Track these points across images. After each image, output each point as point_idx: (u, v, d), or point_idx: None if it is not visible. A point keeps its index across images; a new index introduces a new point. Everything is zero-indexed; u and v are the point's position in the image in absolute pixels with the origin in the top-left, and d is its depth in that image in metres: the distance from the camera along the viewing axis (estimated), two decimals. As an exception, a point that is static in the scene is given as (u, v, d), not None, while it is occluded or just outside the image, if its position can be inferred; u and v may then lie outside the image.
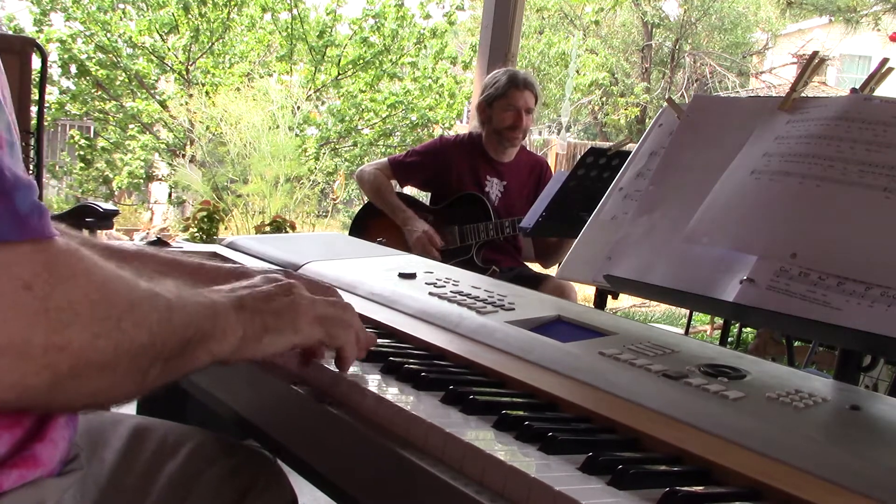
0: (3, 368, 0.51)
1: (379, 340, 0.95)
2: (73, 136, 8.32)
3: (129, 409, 1.27)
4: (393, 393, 0.77)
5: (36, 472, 0.62)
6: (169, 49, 8.35)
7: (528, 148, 3.33)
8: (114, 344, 0.57)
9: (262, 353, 0.73)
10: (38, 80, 2.97)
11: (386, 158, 3.23)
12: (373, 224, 3.11)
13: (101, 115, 8.52)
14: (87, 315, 0.55)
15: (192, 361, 0.66)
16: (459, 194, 3.08)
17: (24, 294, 0.52)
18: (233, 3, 8.47)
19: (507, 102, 3.01)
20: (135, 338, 0.58)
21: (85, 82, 8.25)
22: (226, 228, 6.35)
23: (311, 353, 0.83)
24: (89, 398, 0.59)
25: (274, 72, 8.90)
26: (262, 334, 0.72)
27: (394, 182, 3.19)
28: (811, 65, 1.14)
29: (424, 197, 3.41)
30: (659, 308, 6.77)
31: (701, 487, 0.62)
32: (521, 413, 0.72)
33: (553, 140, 12.40)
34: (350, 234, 3.18)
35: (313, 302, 0.78)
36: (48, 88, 7.53)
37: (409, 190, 3.71)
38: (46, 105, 5.49)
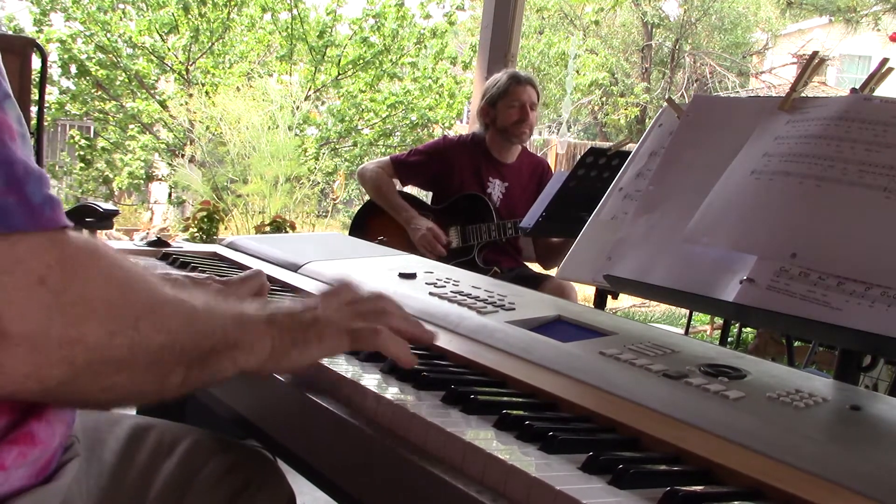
0: (18, 359, 0.52)
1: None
2: (73, 136, 8.32)
3: (129, 409, 1.27)
4: (393, 392, 0.77)
5: (35, 451, 0.62)
6: (169, 49, 8.35)
7: (528, 148, 3.33)
8: (129, 342, 0.57)
9: (290, 367, 0.74)
10: (38, 80, 2.98)
11: (388, 157, 3.22)
12: (373, 223, 3.10)
13: (101, 115, 8.52)
14: (103, 312, 0.56)
15: (217, 371, 0.66)
16: (461, 194, 3.08)
17: (38, 288, 0.52)
18: (233, 3, 8.47)
19: (510, 99, 3.00)
20: (152, 340, 0.59)
21: (85, 82, 8.25)
22: (226, 228, 6.35)
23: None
24: (107, 393, 0.59)
25: (274, 72, 8.90)
26: (290, 348, 0.72)
27: (395, 181, 3.19)
28: (811, 65, 1.15)
29: (425, 196, 3.41)
30: (659, 308, 6.78)
31: (701, 487, 0.62)
32: (521, 413, 0.72)
33: (553, 140, 12.39)
34: (350, 233, 3.17)
35: (340, 313, 0.78)
36: (48, 88, 7.54)
37: (410, 189, 3.71)
38: (46, 105, 5.49)
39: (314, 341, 0.74)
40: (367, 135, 8.84)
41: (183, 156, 7.99)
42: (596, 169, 2.23)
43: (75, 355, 0.54)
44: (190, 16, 8.25)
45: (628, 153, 1.36)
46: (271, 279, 1.23)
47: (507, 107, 3.01)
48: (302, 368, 0.76)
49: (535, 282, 2.91)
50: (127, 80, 8.40)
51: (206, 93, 8.05)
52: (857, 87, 1.10)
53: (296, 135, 7.87)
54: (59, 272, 0.53)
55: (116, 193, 8.74)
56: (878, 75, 1.09)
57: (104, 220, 2.46)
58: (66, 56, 7.97)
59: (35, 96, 2.85)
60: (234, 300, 0.73)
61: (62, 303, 0.53)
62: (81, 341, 0.54)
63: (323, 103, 9.16)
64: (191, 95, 8.06)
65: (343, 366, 0.83)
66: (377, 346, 0.78)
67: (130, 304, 0.58)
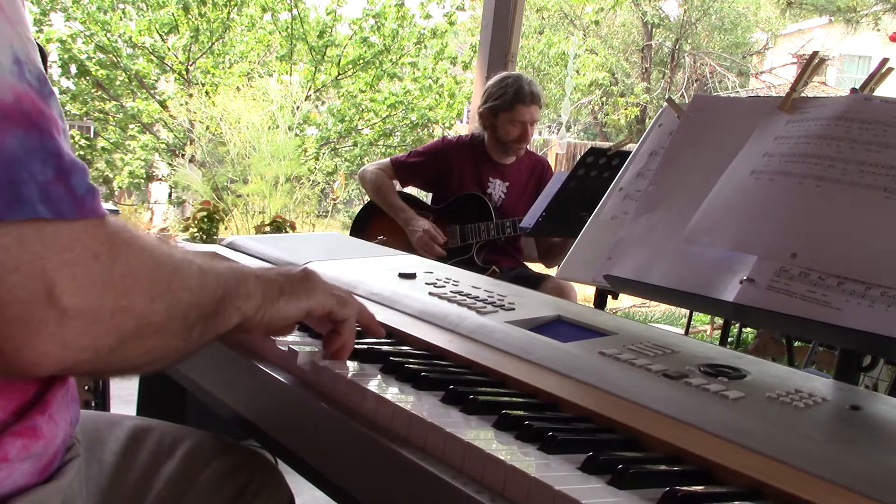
0: (77, 331, 0.56)
1: (379, 340, 0.95)
2: (73, 136, 8.32)
3: (129, 409, 1.27)
4: (393, 392, 0.77)
5: (38, 445, 0.63)
6: (169, 49, 8.36)
7: (528, 148, 3.32)
8: (166, 305, 0.63)
9: (281, 315, 0.79)
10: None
11: (388, 158, 3.22)
12: (374, 223, 3.11)
13: (101, 115, 8.53)
14: (145, 280, 0.61)
15: (226, 320, 0.73)
16: (461, 194, 3.08)
17: (93, 263, 0.57)
18: (233, 3, 8.48)
19: (512, 117, 2.97)
20: (181, 298, 0.65)
21: (85, 82, 8.26)
22: (226, 228, 6.35)
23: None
24: (145, 356, 0.64)
25: (274, 72, 8.90)
26: (279, 296, 0.79)
27: (395, 182, 3.19)
28: (811, 65, 1.15)
29: (426, 197, 3.41)
30: (659, 308, 6.77)
31: (701, 487, 0.62)
32: (521, 413, 0.72)
33: (553, 140, 12.40)
34: (351, 233, 3.18)
35: (324, 280, 0.86)
36: (48, 88, 7.51)
37: (411, 189, 3.71)
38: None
39: (303, 295, 0.81)
40: (367, 135, 8.84)
41: (183, 156, 8.00)
42: (596, 169, 2.23)
43: (125, 323, 0.59)
44: (190, 16, 8.25)
45: (628, 153, 1.36)
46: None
47: (509, 122, 2.98)
48: (290, 321, 0.82)
49: (535, 282, 2.90)
50: (127, 80, 8.41)
51: (206, 93, 8.05)
52: (857, 87, 1.10)
53: (296, 135, 7.87)
54: (108, 248, 0.58)
55: (116, 193, 8.75)
56: (878, 75, 1.09)
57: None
58: (66, 56, 7.97)
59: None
60: (219, 259, 0.78)
61: (112, 276, 0.58)
62: (130, 310, 0.59)
63: (323, 103, 9.17)
64: (191, 95, 8.06)
65: (343, 366, 0.83)
66: (350, 318, 0.86)
67: (162, 270, 0.63)
